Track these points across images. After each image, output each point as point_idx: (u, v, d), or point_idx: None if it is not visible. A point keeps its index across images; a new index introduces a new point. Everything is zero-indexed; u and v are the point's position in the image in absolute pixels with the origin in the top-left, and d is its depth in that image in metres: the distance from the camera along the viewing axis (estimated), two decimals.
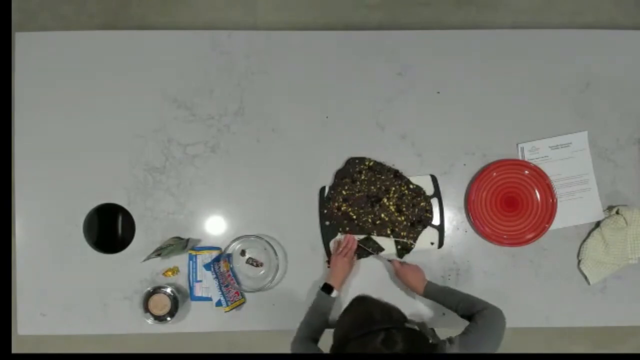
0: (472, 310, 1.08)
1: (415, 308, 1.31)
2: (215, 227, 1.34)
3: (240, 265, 1.33)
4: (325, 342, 1.00)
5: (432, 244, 1.33)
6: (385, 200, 1.32)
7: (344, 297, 1.29)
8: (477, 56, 1.38)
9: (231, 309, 1.29)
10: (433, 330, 1.00)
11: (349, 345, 0.82)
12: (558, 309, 1.33)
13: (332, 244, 1.32)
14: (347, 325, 0.88)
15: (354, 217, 1.32)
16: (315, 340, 1.16)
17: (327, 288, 1.21)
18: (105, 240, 1.35)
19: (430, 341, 0.85)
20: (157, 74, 1.36)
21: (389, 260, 1.29)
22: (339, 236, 1.32)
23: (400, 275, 1.24)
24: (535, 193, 1.32)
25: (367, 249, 1.30)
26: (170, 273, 1.32)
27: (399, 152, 1.35)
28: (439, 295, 1.18)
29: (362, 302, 0.96)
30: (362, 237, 1.32)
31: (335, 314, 1.22)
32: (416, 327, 0.85)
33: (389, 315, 0.87)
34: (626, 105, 1.37)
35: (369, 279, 1.32)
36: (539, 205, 1.32)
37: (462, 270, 1.33)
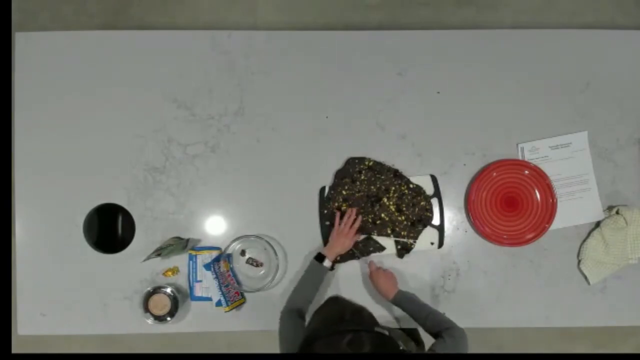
0: (439, 327, 1.08)
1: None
2: (215, 227, 1.34)
3: (240, 265, 1.33)
4: None
5: (432, 244, 1.33)
6: (385, 200, 1.32)
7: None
8: (477, 56, 1.38)
9: (231, 309, 1.29)
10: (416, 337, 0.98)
11: (316, 343, 0.81)
12: (558, 309, 1.33)
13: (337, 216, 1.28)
14: (317, 323, 0.88)
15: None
16: (303, 315, 1.16)
17: (320, 258, 1.20)
18: (105, 240, 1.35)
19: (401, 347, 0.83)
20: (157, 74, 1.36)
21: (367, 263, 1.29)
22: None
23: (373, 278, 1.24)
24: (535, 193, 1.32)
25: (355, 251, 1.30)
26: (170, 273, 1.32)
27: (399, 152, 1.35)
28: (408, 305, 1.18)
29: (334, 302, 0.96)
30: (362, 237, 1.32)
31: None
32: (386, 332, 0.83)
33: (360, 317, 0.86)
34: (626, 105, 1.37)
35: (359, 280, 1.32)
36: (539, 205, 1.32)
37: (462, 270, 1.33)
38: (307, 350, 0.82)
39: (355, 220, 1.27)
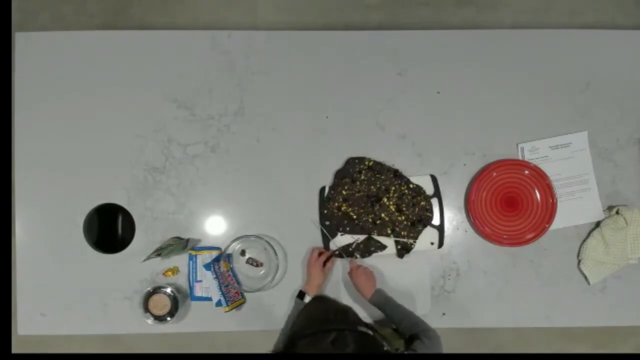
0: (416, 329, 1.09)
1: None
2: (215, 227, 1.34)
3: (240, 265, 1.33)
4: None
5: (432, 244, 1.33)
6: (385, 200, 1.32)
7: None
8: (477, 56, 1.38)
9: (231, 309, 1.29)
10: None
11: (300, 342, 0.80)
12: (558, 309, 1.33)
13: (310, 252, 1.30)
14: (301, 323, 0.87)
15: (354, 217, 1.32)
16: None
17: (302, 295, 1.22)
18: (105, 240, 1.35)
19: (385, 348, 0.83)
20: (157, 74, 1.36)
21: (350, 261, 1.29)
22: (338, 236, 1.32)
23: (353, 276, 1.24)
24: (535, 193, 1.32)
25: (338, 251, 1.30)
26: (170, 273, 1.32)
27: (399, 152, 1.35)
28: (384, 305, 1.19)
29: (319, 302, 0.96)
30: (363, 237, 1.32)
31: None
32: (370, 332, 0.82)
33: (344, 316, 0.86)
34: (626, 105, 1.37)
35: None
36: (539, 205, 1.32)
37: (462, 270, 1.33)
38: (291, 349, 0.81)
39: (322, 253, 1.28)
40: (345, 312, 0.88)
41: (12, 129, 1.33)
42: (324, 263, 1.27)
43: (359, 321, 0.87)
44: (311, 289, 1.22)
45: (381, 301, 1.20)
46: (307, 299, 1.21)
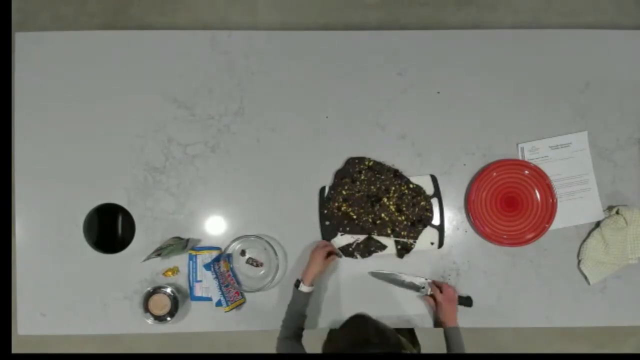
0: None
1: (407, 313, 1.31)
2: (215, 227, 1.34)
3: (240, 265, 1.33)
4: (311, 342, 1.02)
5: (432, 244, 1.33)
6: (385, 200, 1.32)
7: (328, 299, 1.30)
8: (476, 56, 1.38)
9: (231, 309, 1.29)
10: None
11: None
12: (558, 309, 1.33)
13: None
14: (341, 343, 0.87)
15: (354, 217, 1.32)
16: (299, 336, 1.16)
17: (298, 283, 1.21)
18: (105, 240, 1.35)
19: None
20: (157, 74, 1.36)
21: (432, 293, 1.26)
22: (339, 236, 1.32)
23: (447, 303, 1.22)
24: (535, 193, 1.32)
25: (341, 255, 1.30)
26: (170, 273, 1.32)
27: (399, 152, 1.35)
28: (459, 345, 1.17)
29: (360, 322, 0.95)
30: (363, 237, 1.32)
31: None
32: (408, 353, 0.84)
33: (386, 339, 0.86)
34: (626, 105, 1.37)
35: (353, 280, 1.32)
36: (539, 205, 1.32)
37: (462, 270, 1.33)
38: None
39: (326, 246, 1.27)
40: (387, 335, 0.87)
41: (12, 128, 1.33)
42: (328, 255, 1.25)
43: (399, 342, 0.87)
44: (307, 277, 1.20)
45: (457, 337, 1.18)
46: (302, 287, 1.19)
